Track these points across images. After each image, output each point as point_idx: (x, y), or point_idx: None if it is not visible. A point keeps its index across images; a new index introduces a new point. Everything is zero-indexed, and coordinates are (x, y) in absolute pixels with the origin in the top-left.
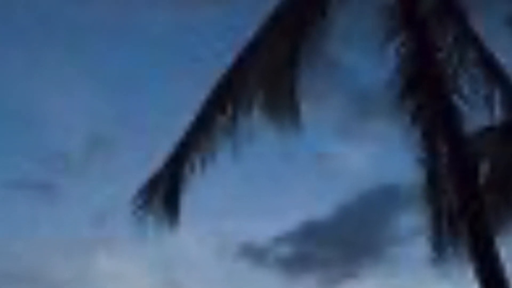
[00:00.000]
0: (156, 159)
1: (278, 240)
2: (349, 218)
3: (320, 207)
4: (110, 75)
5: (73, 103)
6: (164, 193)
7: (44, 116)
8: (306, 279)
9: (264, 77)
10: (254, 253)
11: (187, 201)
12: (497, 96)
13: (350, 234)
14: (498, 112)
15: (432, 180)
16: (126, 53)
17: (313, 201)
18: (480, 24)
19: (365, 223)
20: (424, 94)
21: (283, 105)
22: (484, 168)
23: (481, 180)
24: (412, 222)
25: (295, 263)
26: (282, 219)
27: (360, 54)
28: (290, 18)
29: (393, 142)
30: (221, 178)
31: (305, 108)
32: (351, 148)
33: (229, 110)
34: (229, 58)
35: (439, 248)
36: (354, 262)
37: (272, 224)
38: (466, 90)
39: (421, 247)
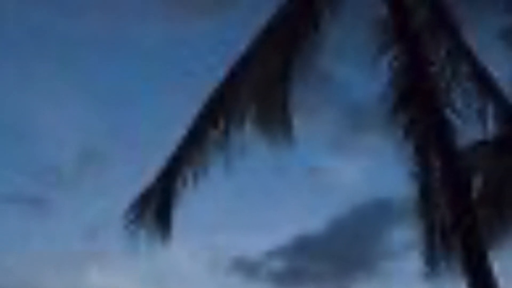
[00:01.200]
0: (148, 173)
1: (271, 254)
2: (342, 232)
3: (313, 221)
4: (102, 89)
5: (65, 117)
6: (156, 207)
7: (36, 130)
8: None
9: (256, 91)
10: (246, 267)
11: (179, 215)
12: (490, 110)
13: (343, 248)
14: (491, 126)
15: (425, 194)
16: (118, 66)
17: (306, 215)
18: (473, 38)
19: (358, 237)
20: (417, 108)
21: (276, 119)
22: (477, 182)
23: (474, 194)
24: (405, 236)
25: (288, 278)
26: (275, 233)
27: (352, 68)
28: (282, 32)
29: (386, 156)
30: (214, 192)
31: (298, 122)
32: (343, 162)
33: (222, 124)
34: (221, 72)
35: (432, 263)
36: (347, 276)
37: (264, 238)
38: (459, 104)
39: (414, 262)
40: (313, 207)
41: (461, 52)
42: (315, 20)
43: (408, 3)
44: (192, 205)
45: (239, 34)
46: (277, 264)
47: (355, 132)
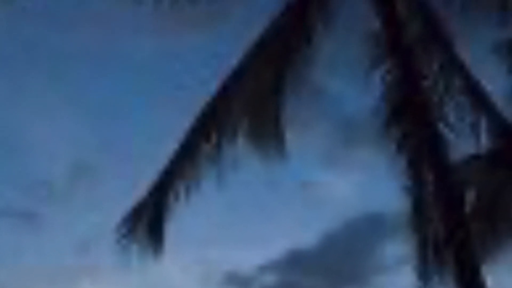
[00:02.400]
0: (140, 187)
1: (263, 268)
2: (334, 246)
3: (306, 235)
4: (93, 103)
5: (57, 131)
6: (148, 221)
7: (27, 143)
8: None
9: (249, 105)
10: (239, 282)
11: (172, 230)
12: (483, 124)
13: (336, 262)
14: (484, 140)
15: (418, 208)
16: (110, 80)
17: (298, 229)
18: (466, 52)
19: (351, 252)
20: (410, 122)
21: (268, 133)
22: (470, 196)
23: (467, 208)
24: (398, 250)
25: None
26: (267, 247)
27: (345, 82)
28: (275, 45)
29: (379, 170)
30: (206, 206)
31: (290, 136)
32: (336, 176)
33: (214, 138)
34: (213, 86)
35: (425, 277)
36: None
37: (257, 252)
38: (452, 118)
39: (407, 276)
40: (305, 221)
41: (454, 66)
42: (308, 34)
43: (401, 17)
44: (184, 219)
45: (231, 48)
46: (270, 279)
47: (348, 146)
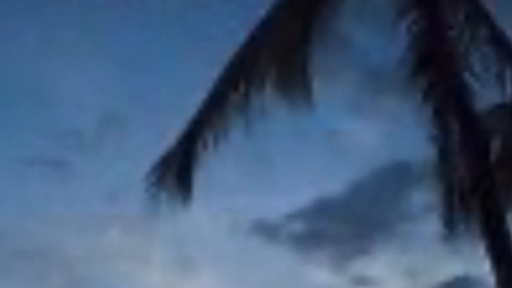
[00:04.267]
0: (169, 137)
1: (290, 217)
2: (361, 195)
3: (332, 184)
4: (122, 53)
5: (86, 81)
6: (177, 170)
7: (58, 94)
8: (318, 255)
9: (276, 55)
10: (266, 230)
11: (200, 178)
12: (508, 74)
13: (362, 211)
14: (509, 89)
15: (444, 157)
16: (139, 31)
17: (325, 178)
18: (491, 2)
19: (377, 200)
20: (436, 72)
21: (295, 83)
22: (495, 145)
23: (493, 157)
24: (424, 199)
25: (307, 240)
26: (295, 196)
27: (371, 32)
28: None
29: (405, 119)
30: (234, 155)
31: (317, 86)
32: (363, 126)
33: (242, 87)
34: (241, 36)
35: (451, 225)
36: (366, 238)
37: (284, 201)
38: (477, 67)
39: (433, 224)
40: (332, 170)
41: (480, 16)
42: None
43: None
44: (212, 168)
45: None
46: (297, 227)
47: (374, 96)
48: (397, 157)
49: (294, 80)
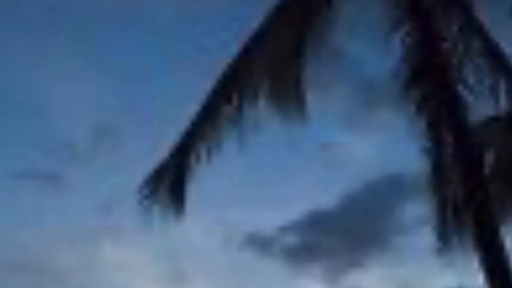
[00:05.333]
0: (162, 149)
1: (284, 229)
2: (354, 207)
3: (326, 196)
4: (116, 65)
5: (79, 93)
6: (170, 182)
7: (50, 106)
8: (311, 268)
9: (269, 67)
10: (259, 243)
11: (193, 191)
12: (502, 86)
13: (356, 223)
14: (503, 102)
15: (437, 170)
16: (132, 43)
17: (319, 190)
18: (485, 14)
19: (371, 213)
20: (429, 84)
21: (289, 95)
22: (489, 158)
23: (486, 170)
24: (417, 211)
25: (301, 253)
26: (288, 208)
27: (365, 44)
28: (295, 8)
29: (399, 131)
30: (227, 167)
31: (311, 98)
32: (356, 138)
33: (235, 100)
34: (234, 48)
35: (444, 238)
36: (360, 251)
37: (277, 213)
38: (471, 80)
39: (426, 237)
40: (325, 183)
41: (473, 28)
42: None
43: None
44: (205, 180)
45: (252, 11)
46: (290, 239)
47: (368, 108)
48: (390, 169)
49: (287, 93)
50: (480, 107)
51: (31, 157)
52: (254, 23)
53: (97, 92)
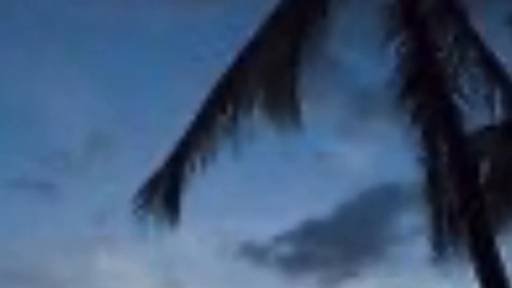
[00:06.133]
0: (156, 158)
1: (279, 239)
2: (349, 217)
3: (321, 206)
4: (110, 74)
5: (74, 102)
6: (164, 192)
7: (45, 115)
8: (306, 278)
9: (264, 76)
10: (254, 252)
11: (188, 200)
12: (498, 95)
13: (351, 233)
14: (498, 111)
15: (433, 179)
16: (127, 52)
17: (314, 200)
18: (480, 24)
19: (366, 222)
20: (425, 94)
21: (284, 104)
22: (484, 167)
23: (482, 179)
24: (413, 221)
25: (296, 262)
26: (283, 218)
27: (360, 54)
28: (290, 17)
29: (394, 141)
30: (222, 177)
31: (306, 107)
32: (351, 147)
33: (230, 109)
34: (229, 57)
35: (440, 247)
36: (355, 261)
37: (272, 223)
38: (466, 89)
39: (422, 246)
40: (321, 192)
41: (469, 37)
42: (323, 6)
43: None
44: (200, 190)
45: (247, 19)
46: (285, 249)
47: (363, 118)
48: (385, 179)
49: (282, 102)
50: (476, 117)
51: (25, 166)
52: (249, 32)
53: (92, 101)
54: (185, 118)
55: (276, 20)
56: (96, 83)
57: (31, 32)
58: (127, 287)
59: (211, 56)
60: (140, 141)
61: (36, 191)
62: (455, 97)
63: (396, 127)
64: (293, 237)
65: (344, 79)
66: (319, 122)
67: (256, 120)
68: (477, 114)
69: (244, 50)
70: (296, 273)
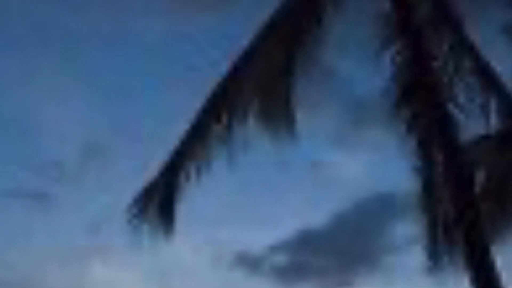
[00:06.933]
0: (151, 168)
1: (274, 248)
2: (344, 226)
3: (316, 215)
4: (105, 84)
5: (68, 112)
6: (159, 201)
7: (39, 124)
8: (301, 287)
9: (259, 86)
10: (249, 262)
11: (182, 210)
12: (493, 105)
13: (346, 242)
14: (493, 120)
15: (428, 188)
16: (121, 61)
17: (309, 209)
18: (476, 33)
19: (361, 232)
20: (420, 103)
21: (279, 114)
22: (480, 177)
23: (477, 188)
24: (408, 230)
25: (291, 272)
26: (278, 227)
27: (355, 63)
28: (285, 27)
29: (389, 150)
30: (217, 186)
31: (301, 117)
32: (346, 157)
33: (224, 118)
34: (224, 67)
35: (435, 257)
36: (350, 270)
37: (267, 232)
38: (461, 98)
39: (417, 256)
40: (316, 202)
41: (464, 46)
42: (318, 15)
43: None
44: (195, 199)
45: (242, 29)
46: (280, 259)
47: (358, 127)
48: (380, 188)
49: (277, 111)
50: (471, 126)
51: (19, 176)
52: (244, 41)
53: (86, 111)
54: (180, 128)
55: (271, 30)
56: (90, 92)
57: (25, 42)
58: None
59: (206, 66)
60: (134, 151)
61: (30, 201)
62: (451, 106)
63: (391, 137)
64: (288, 247)
65: (339, 88)
66: (314, 132)
67: (251, 129)
68: (472, 124)
69: (238, 60)
70: (291, 283)
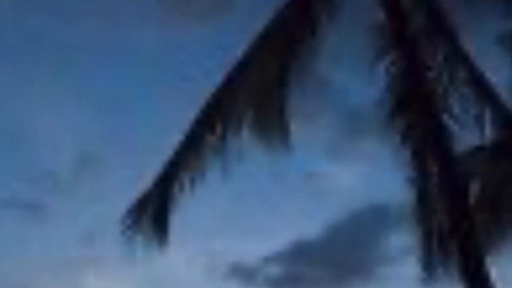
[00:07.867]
0: (145, 178)
1: (268, 259)
2: (339, 237)
3: (310, 226)
4: (99, 94)
5: (62, 122)
6: (153, 212)
7: (33, 135)
8: None
9: (253, 96)
10: (243, 273)
11: (176, 221)
12: (488, 115)
13: (340, 253)
14: (488, 131)
15: (423, 199)
16: (115, 71)
17: (303, 220)
18: (470, 43)
19: (355, 243)
20: (414, 113)
21: (273, 125)
22: (474, 188)
23: (472, 199)
24: (403, 241)
25: (285, 283)
26: (272, 238)
27: (350, 73)
28: (279, 37)
29: (383, 161)
30: (211, 197)
31: (295, 128)
32: (341, 168)
33: (219, 129)
34: (218, 77)
35: (429, 268)
36: (344, 281)
37: (261, 243)
38: (456, 109)
39: (411, 267)
40: (310, 213)
41: (459, 57)
42: (312, 25)
43: (405, 8)
44: (189, 210)
45: (236, 39)
46: (274, 270)
47: (352, 138)
48: (375, 199)
49: (271, 122)
50: (466, 137)
51: (13, 186)
52: (238, 52)
53: (80, 121)
54: (174, 138)
55: (265, 40)
56: (84, 103)
57: (20, 52)
58: None
59: (200, 76)
60: (128, 161)
61: (24, 211)
62: (445, 117)
63: (386, 147)
64: (282, 258)
65: (333, 99)
66: (308, 142)
67: (245, 140)
68: (467, 134)
69: (233, 70)
70: None
